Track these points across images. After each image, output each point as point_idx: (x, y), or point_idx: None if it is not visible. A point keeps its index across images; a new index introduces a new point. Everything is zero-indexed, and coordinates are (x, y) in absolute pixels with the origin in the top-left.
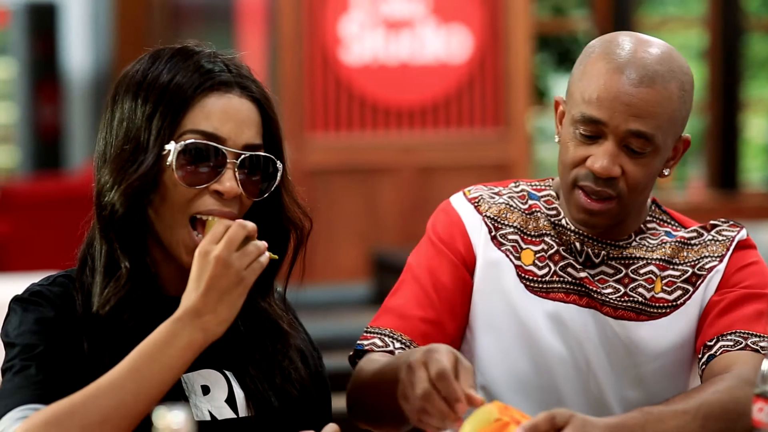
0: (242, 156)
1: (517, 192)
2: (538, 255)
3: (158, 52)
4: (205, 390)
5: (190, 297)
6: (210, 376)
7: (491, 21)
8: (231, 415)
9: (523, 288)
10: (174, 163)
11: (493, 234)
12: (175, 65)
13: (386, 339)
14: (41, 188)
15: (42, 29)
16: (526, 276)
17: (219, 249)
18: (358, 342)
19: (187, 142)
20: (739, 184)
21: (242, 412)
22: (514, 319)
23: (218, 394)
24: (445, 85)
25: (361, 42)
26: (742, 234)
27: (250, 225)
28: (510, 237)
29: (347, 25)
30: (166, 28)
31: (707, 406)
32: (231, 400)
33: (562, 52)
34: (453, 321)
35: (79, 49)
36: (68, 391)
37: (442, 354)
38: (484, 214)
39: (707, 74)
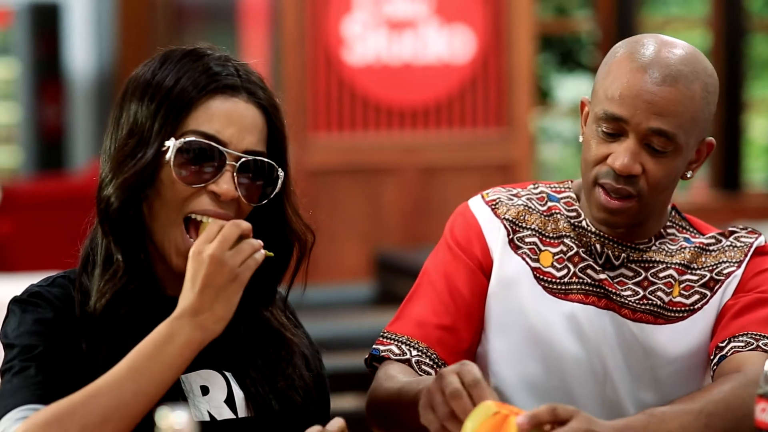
0: (242, 159)
1: (536, 193)
2: (556, 257)
3: (169, 53)
4: (204, 390)
5: (186, 297)
6: (209, 377)
7: (494, 21)
8: (230, 415)
9: (541, 290)
10: (173, 159)
11: (510, 237)
12: (184, 66)
13: (403, 347)
14: (44, 188)
15: (45, 29)
16: (545, 278)
17: (212, 247)
18: (374, 346)
19: (187, 139)
20: (742, 185)
21: (241, 412)
22: (528, 321)
23: (217, 395)
24: (448, 85)
25: (364, 42)
26: (760, 240)
27: (245, 224)
28: (528, 240)
29: (350, 25)
30: (169, 28)
31: (712, 405)
32: (230, 401)
33: (564, 52)
34: (469, 326)
35: (82, 49)
36: (68, 391)
37: (474, 367)
38: (502, 217)
39: None
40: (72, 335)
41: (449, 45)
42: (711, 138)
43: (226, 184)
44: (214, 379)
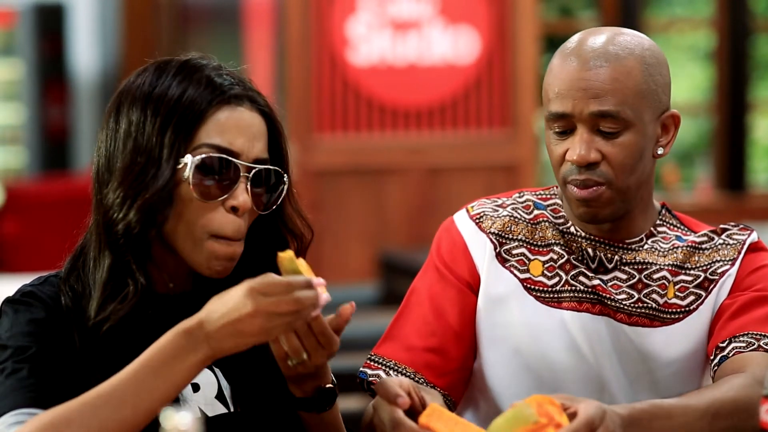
0: (254, 170)
1: (522, 202)
2: (546, 265)
3: (163, 65)
4: (195, 387)
5: (209, 317)
6: (200, 374)
7: (498, 22)
8: (222, 410)
9: (533, 300)
10: (190, 177)
11: (497, 251)
12: (184, 78)
13: (391, 372)
14: (48, 189)
15: (49, 30)
16: (536, 287)
17: (263, 302)
18: (362, 369)
19: (204, 156)
20: (747, 185)
21: (232, 407)
22: (520, 334)
23: (208, 391)
24: (453, 86)
25: (369, 43)
26: (753, 237)
27: (309, 298)
28: (516, 251)
29: (354, 26)
30: (174, 29)
31: (719, 404)
32: (221, 396)
33: None
34: (458, 346)
35: (87, 49)
36: (61, 393)
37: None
38: (487, 231)
39: (714, 75)
40: (65, 335)
41: (454, 46)
42: (674, 110)
43: (242, 195)
44: (204, 376)
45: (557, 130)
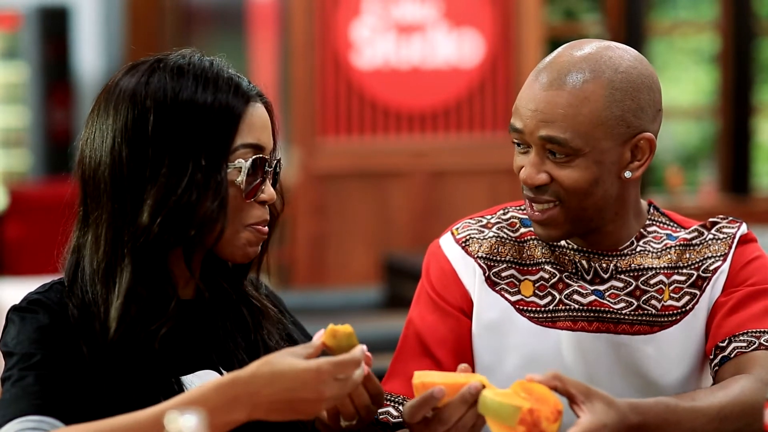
0: (275, 162)
1: (506, 220)
2: (537, 284)
3: (179, 69)
4: None
5: (262, 388)
6: (207, 377)
7: (503, 25)
8: None
9: (527, 321)
10: (243, 180)
11: (487, 275)
12: (207, 84)
13: (400, 407)
14: (52, 192)
15: (54, 32)
16: (529, 308)
17: (334, 387)
18: None
19: (255, 157)
20: (751, 189)
21: None
22: (513, 358)
23: None
24: (457, 89)
25: (373, 46)
26: (743, 229)
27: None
28: (505, 273)
29: (359, 29)
30: (178, 32)
31: (730, 408)
32: None
33: None
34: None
35: (91, 52)
36: (68, 400)
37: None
38: (475, 255)
39: (719, 78)
40: (71, 341)
41: (458, 49)
42: (648, 134)
43: (269, 189)
44: (211, 377)
45: (515, 142)
